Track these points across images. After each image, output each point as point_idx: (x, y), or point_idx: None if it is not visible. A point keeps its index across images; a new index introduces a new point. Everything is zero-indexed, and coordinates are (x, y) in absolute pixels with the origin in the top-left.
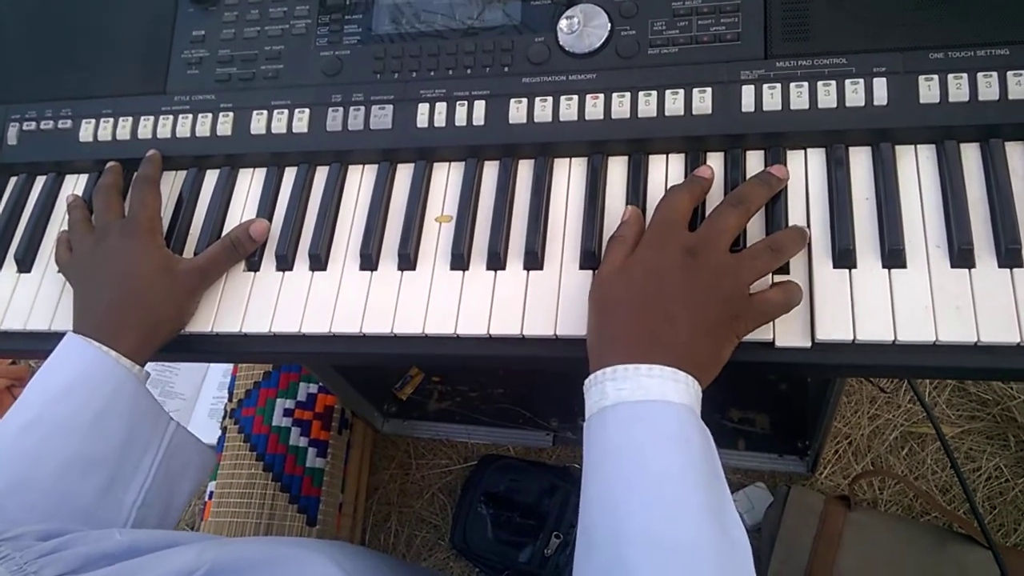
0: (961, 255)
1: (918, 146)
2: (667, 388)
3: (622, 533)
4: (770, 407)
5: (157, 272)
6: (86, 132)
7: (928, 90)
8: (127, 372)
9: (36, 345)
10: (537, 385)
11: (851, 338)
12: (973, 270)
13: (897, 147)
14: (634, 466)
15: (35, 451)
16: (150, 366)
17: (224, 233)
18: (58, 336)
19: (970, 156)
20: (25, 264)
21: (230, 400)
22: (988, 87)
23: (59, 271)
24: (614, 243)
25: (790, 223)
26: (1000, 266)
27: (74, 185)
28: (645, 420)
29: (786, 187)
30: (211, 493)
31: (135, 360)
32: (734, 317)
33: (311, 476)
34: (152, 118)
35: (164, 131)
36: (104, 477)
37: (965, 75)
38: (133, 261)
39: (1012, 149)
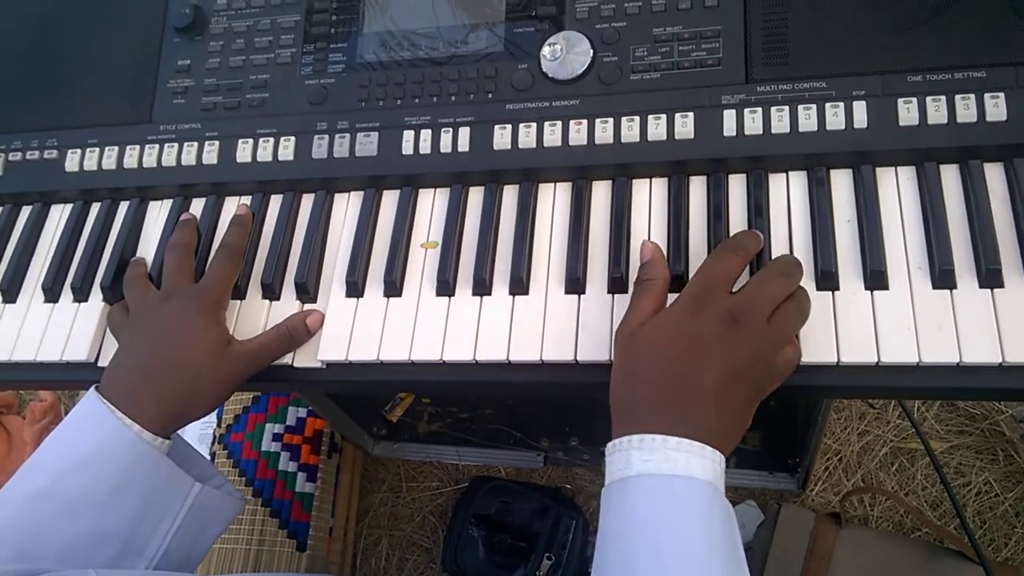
0: (942, 276)
1: (898, 168)
2: (693, 464)
3: None
4: (760, 424)
5: (209, 349)
6: (72, 162)
7: (907, 113)
8: (147, 447)
9: (23, 376)
10: (528, 406)
11: (835, 360)
12: (954, 291)
13: (878, 169)
14: (654, 543)
15: (41, 526)
16: None
17: (280, 321)
18: (44, 367)
19: (950, 178)
20: (11, 295)
21: (219, 425)
22: (966, 109)
23: (110, 329)
24: (644, 288)
25: (773, 246)
26: (981, 287)
27: (60, 215)
28: (669, 496)
29: (769, 210)
30: None
31: (158, 433)
32: (764, 384)
33: (301, 501)
34: (138, 147)
35: (150, 160)
36: (114, 550)
37: (943, 97)
38: (189, 333)
39: (991, 170)
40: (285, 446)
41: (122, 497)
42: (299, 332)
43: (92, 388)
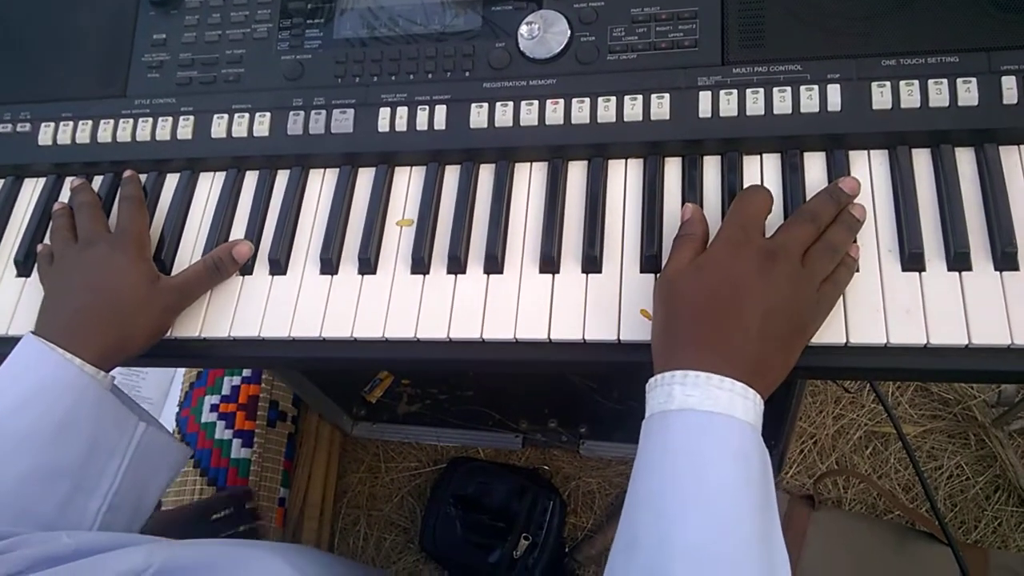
0: (912, 259)
1: (871, 151)
2: (736, 403)
3: (669, 541)
4: None
5: (138, 284)
6: (45, 135)
7: (880, 96)
8: (91, 380)
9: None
10: (507, 387)
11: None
12: (923, 273)
13: (851, 152)
14: (692, 476)
15: None
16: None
17: (207, 253)
18: (15, 341)
19: (921, 161)
20: None
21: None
22: (938, 94)
23: (40, 279)
24: (682, 241)
25: None
26: (949, 270)
27: (32, 188)
28: (710, 432)
29: None
30: None
31: (100, 368)
32: (807, 324)
33: (236, 467)
34: (112, 121)
35: (124, 135)
36: (67, 486)
37: (916, 82)
38: (116, 271)
39: (961, 155)
40: (221, 415)
41: (69, 432)
42: (226, 262)
43: (27, 333)
